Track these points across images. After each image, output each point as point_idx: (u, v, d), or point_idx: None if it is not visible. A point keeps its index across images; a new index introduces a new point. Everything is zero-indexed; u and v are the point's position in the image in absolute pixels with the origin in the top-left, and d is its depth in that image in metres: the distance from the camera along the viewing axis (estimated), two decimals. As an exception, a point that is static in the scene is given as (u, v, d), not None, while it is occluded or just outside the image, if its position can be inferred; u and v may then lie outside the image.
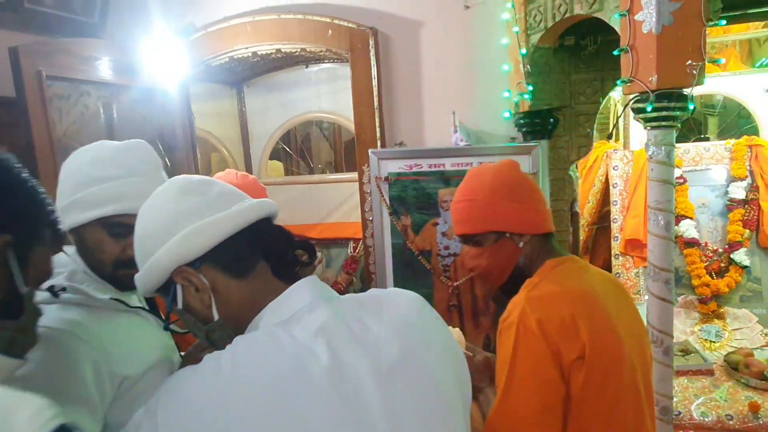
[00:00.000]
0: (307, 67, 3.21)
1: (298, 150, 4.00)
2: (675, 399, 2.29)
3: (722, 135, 3.77)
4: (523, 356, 1.16)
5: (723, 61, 3.23)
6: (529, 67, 2.07)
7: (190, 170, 2.80)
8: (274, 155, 3.71)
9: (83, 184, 1.14)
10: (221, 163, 3.58)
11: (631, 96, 1.59)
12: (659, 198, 1.60)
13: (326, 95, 3.24)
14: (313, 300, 0.85)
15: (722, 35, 3.24)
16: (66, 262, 1.17)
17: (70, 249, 1.18)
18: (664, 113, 1.53)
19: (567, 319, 1.17)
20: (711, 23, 1.49)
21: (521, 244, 1.36)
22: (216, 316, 0.87)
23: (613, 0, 1.65)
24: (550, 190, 2.28)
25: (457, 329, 1.66)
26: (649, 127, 1.59)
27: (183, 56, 2.66)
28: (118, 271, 1.16)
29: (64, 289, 1.08)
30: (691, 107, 1.54)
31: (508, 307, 1.26)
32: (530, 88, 2.08)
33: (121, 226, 1.14)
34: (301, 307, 0.84)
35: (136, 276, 0.90)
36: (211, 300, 0.86)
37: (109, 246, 1.16)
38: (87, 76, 2.37)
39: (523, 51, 2.07)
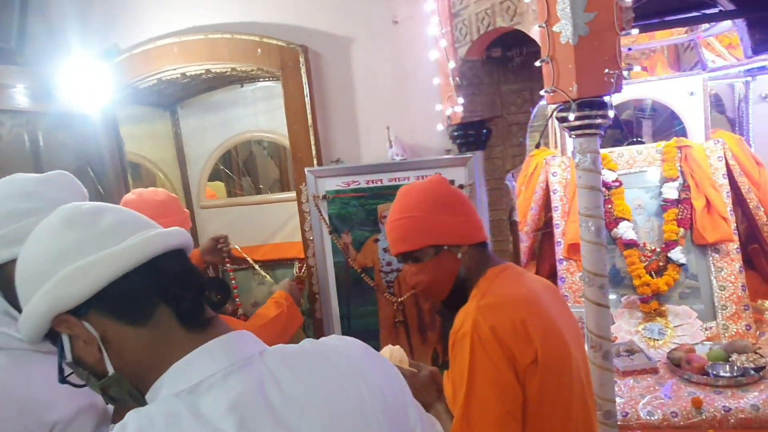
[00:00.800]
0: (242, 86, 3.14)
1: (240, 170, 3.91)
2: (622, 400, 2.32)
3: (656, 136, 3.90)
4: (481, 365, 1.17)
5: (639, 68, 3.34)
6: (458, 79, 2.08)
7: (122, 196, 2.69)
8: (215, 176, 3.61)
9: (4, 219, 1.08)
10: (162, 186, 3.46)
11: (555, 105, 1.60)
12: (588, 204, 1.61)
13: (263, 114, 3.17)
14: (229, 365, 0.74)
15: (647, 42, 3.35)
16: None
17: None
18: (586, 121, 1.55)
19: (518, 324, 1.20)
20: (624, 32, 1.52)
21: (460, 255, 1.40)
22: (111, 370, 0.76)
23: (532, 12, 1.67)
24: (487, 200, 2.29)
25: (398, 347, 1.62)
26: (573, 136, 1.60)
27: (108, 79, 2.56)
28: None
29: None
30: (612, 114, 1.57)
31: (458, 318, 1.28)
32: (461, 100, 2.09)
33: None
34: (213, 373, 0.73)
35: (18, 323, 0.79)
36: (102, 352, 0.75)
37: None
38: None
39: (452, 64, 2.08)
